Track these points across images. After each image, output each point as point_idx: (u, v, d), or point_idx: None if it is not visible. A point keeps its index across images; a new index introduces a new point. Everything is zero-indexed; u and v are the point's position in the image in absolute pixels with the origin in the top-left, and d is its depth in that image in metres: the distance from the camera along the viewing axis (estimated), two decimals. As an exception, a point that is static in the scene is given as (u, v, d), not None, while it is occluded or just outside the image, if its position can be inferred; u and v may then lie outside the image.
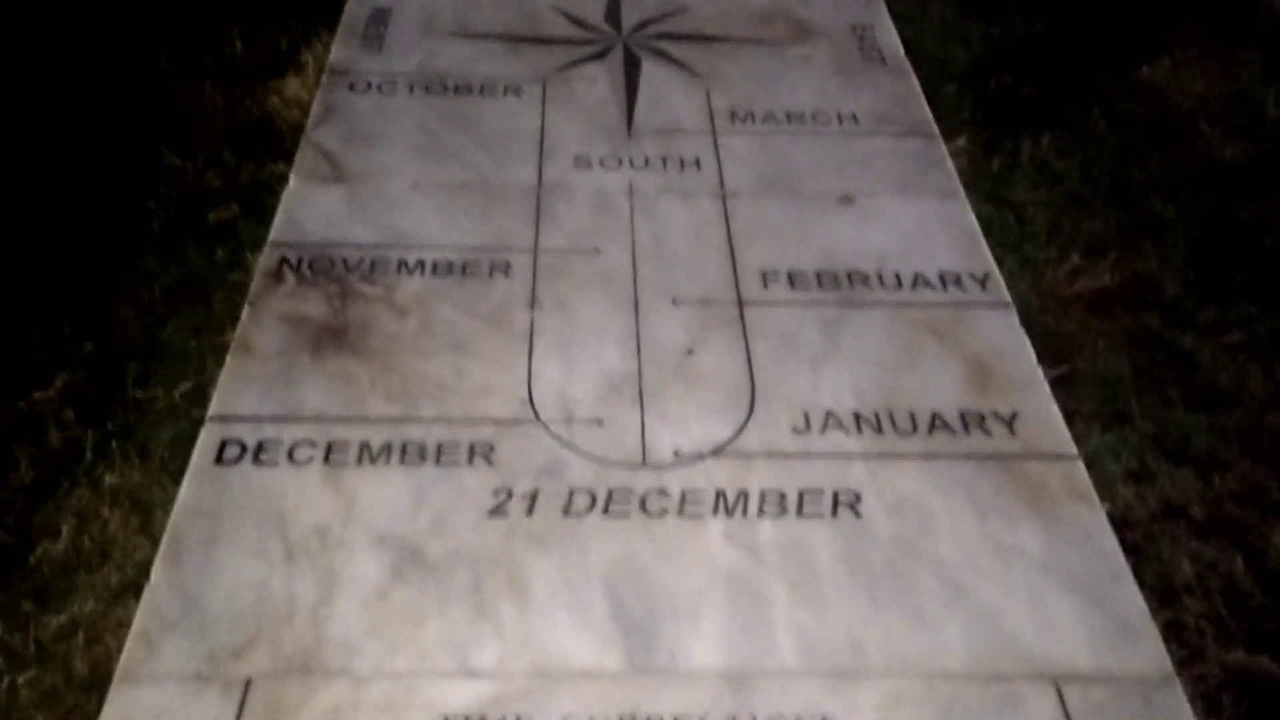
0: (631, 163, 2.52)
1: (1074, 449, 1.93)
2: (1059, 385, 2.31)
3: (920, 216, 2.41)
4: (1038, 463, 1.89)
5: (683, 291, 2.19)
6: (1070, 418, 2.22)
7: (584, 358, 2.04)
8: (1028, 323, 2.41)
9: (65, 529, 1.91)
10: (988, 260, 2.31)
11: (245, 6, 3.41)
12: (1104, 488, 2.09)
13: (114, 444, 2.07)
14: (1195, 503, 2.11)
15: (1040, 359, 2.33)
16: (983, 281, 2.25)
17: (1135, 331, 2.49)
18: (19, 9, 3.27)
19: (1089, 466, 2.08)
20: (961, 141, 2.93)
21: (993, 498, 1.82)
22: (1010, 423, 1.96)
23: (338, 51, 2.84)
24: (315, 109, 2.63)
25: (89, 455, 2.05)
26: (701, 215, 2.38)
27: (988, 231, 2.62)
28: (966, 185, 2.76)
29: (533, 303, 2.14)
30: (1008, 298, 2.23)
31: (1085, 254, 2.68)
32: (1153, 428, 2.27)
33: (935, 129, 2.69)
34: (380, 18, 2.98)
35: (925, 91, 3.03)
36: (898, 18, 3.37)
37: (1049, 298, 2.57)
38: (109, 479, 2.00)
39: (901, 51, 2.98)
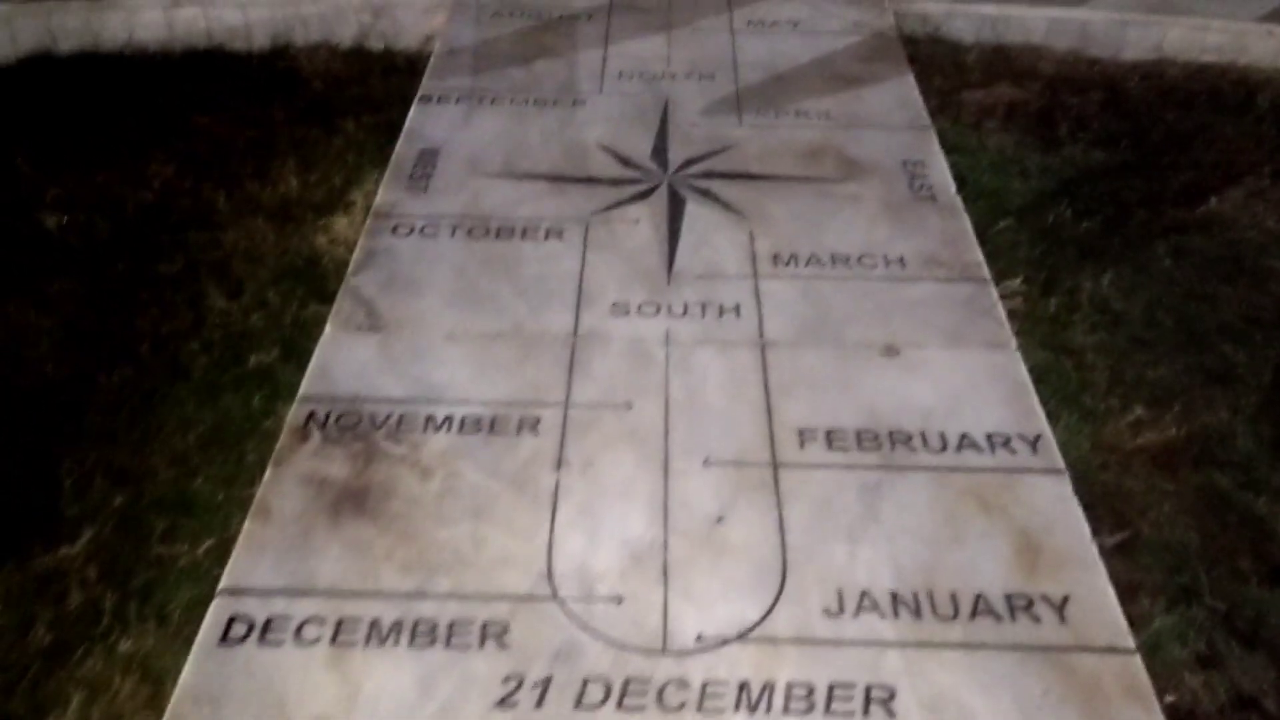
0: (670, 310, 2.47)
1: (1130, 640, 1.79)
2: (1119, 553, 2.18)
3: (968, 370, 2.31)
4: (1090, 656, 1.76)
5: (715, 451, 2.11)
6: (1132, 592, 2.09)
7: (608, 525, 1.96)
8: (1086, 481, 2.30)
9: (75, 700, 1.87)
10: (1039, 420, 2.19)
11: (303, 143, 3.47)
12: (1168, 675, 1.95)
13: (132, 606, 2.04)
14: (1269, 693, 1.94)
15: (1099, 523, 2.21)
16: (1034, 444, 2.13)
17: (1204, 492, 2.34)
18: (81, 132, 3.38)
19: (1152, 651, 1.95)
20: (1016, 282, 2.83)
21: (1040, 698, 1.68)
22: (1061, 608, 1.83)
23: (384, 193, 2.86)
24: (357, 254, 2.64)
25: (106, 618, 2.02)
26: (738, 367, 2.31)
27: (1043, 380, 2.51)
28: (1021, 329, 2.66)
29: (559, 463, 2.08)
30: (1060, 463, 2.10)
31: (1149, 404, 2.54)
32: (1223, 604, 2.11)
33: (986, 272, 2.60)
34: (429, 158, 3.00)
35: (979, 227, 2.95)
36: (952, 150, 3.31)
37: (1109, 453, 2.43)
38: (123, 645, 1.97)
39: (953, 189, 2.90)
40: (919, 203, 2.85)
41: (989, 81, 3.80)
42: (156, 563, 2.15)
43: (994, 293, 2.54)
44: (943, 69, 3.87)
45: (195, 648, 1.73)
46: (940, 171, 2.98)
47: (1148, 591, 2.13)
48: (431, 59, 3.52)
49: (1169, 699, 1.89)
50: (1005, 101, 3.71)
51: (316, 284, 2.85)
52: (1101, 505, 2.30)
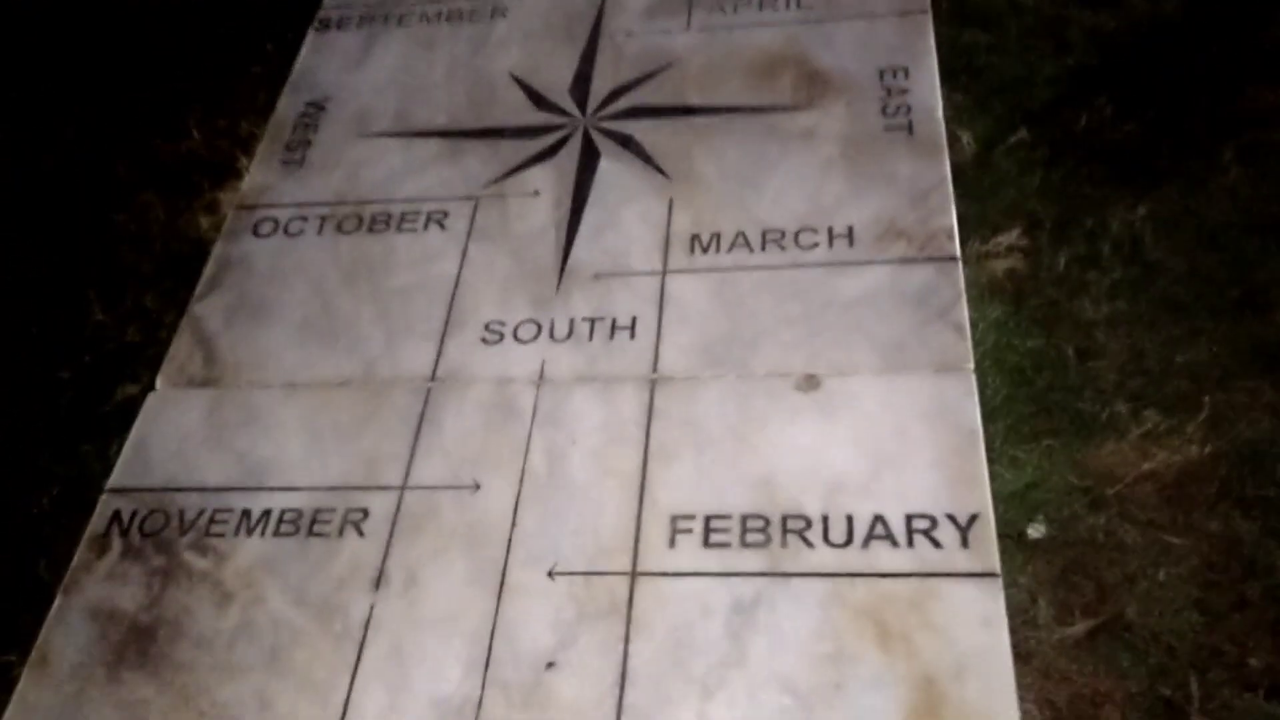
0: (552, 330, 2.04)
1: None
2: (1089, 646, 1.73)
3: (902, 409, 1.82)
4: None
5: (565, 554, 1.74)
6: (1095, 708, 1.65)
7: (418, 676, 1.65)
8: (1066, 530, 1.84)
9: None
10: (980, 491, 1.71)
11: (220, 74, 3.07)
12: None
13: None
14: None
15: (1071, 595, 1.77)
16: (965, 531, 1.66)
17: (1219, 546, 1.83)
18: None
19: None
20: (1015, 234, 2.24)
21: None
22: (952, 806, 1.42)
23: (254, 172, 2.46)
24: (209, 267, 2.28)
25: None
26: (618, 418, 1.89)
27: (1032, 378, 2.02)
28: (1015, 300, 2.12)
29: (379, 580, 1.75)
30: (995, 562, 1.63)
31: (1169, 407, 2.00)
32: (1214, 730, 1.65)
33: (956, 247, 2.03)
34: (313, 114, 2.56)
35: (983, 146, 2.39)
36: (972, 19, 2.65)
37: (1105, 485, 1.93)
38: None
39: (939, 108, 2.28)
40: (890, 137, 2.25)
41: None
42: (-17, 679, 1.97)
43: (960, 279, 1.98)
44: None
45: None
46: (926, 83, 2.34)
47: (1117, 707, 1.68)
48: (340, -36, 2.99)
49: None
50: (1053, -68, 2.91)
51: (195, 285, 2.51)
52: (1080, 569, 1.84)
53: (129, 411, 2.28)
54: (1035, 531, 1.87)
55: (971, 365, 1.86)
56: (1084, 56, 2.59)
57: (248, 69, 3.07)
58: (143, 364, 2.41)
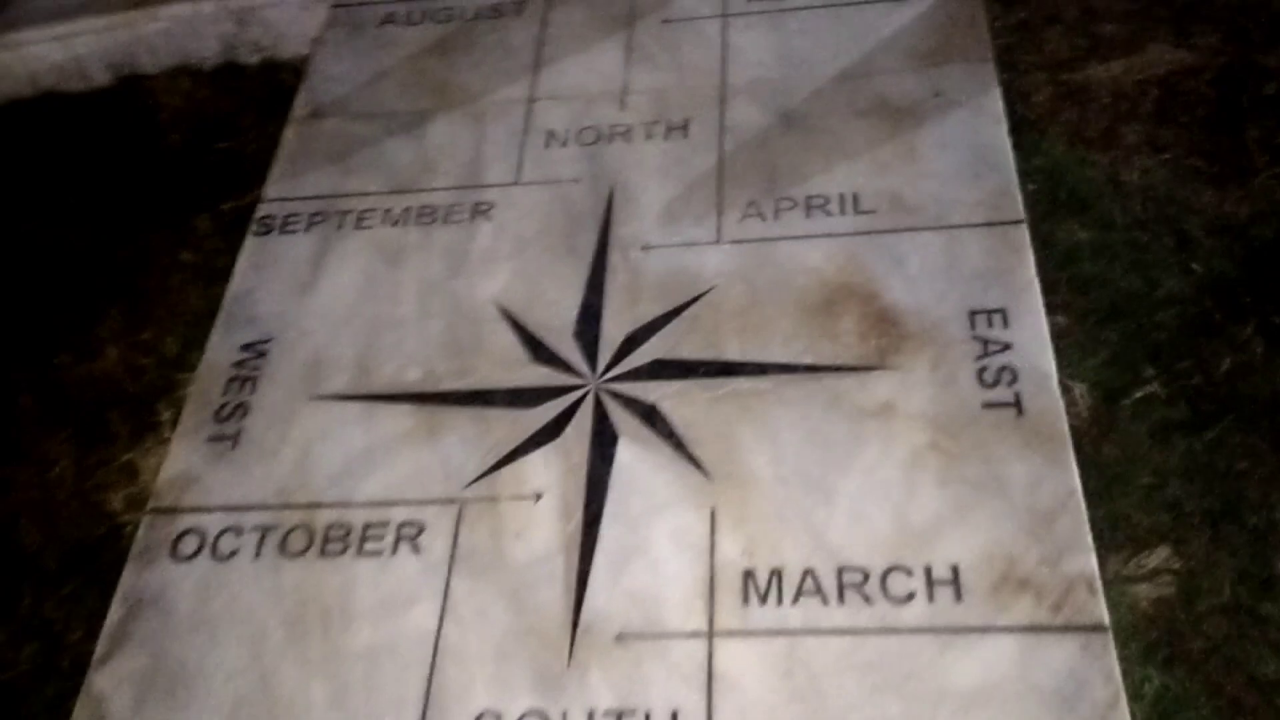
0: (565, 732, 1.52)
1: None
2: None
3: None
4: None
5: None
6: None
7: None
8: None
9: None
10: None
11: (138, 265, 2.54)
12: None
13: None
14: None
15: None
16: None
17: None
18: None
19: None
20: (1162, 546, 1.72)
21: None
22: None
23: (174, 456, 1.93)
24: (113, 611, 1.75)
25: None
26: None
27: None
28: (1171, 651, 1.62)
29: None
30: None
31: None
32: None
33: (1103, 607, 1.51)
34: (251, 364, 2.02)
35: (1101, 413, 1.85)
36: (1068, 206, 2.15)
37: None
38: None
39: (1054, 378, 1.76)
40: (993, 417, 1.73)
41: (1133, 41, 2.47)
42: None
43: (1115, 662, 1.46)
44: (1063, 21, 2.53)
45: None
46: (1032, 333, 1.82)
47: None
48: (285, 134, 2.44)
49: None
50: (1158, 77, 2.40)
51: (107, 590, 1.98)
52: None
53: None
54: None
55: (1147, 818, 1.34)
56: (1212, 259, 2.07)
57: (175, 254, 2.53)
58: (41, 712, 1.88)
